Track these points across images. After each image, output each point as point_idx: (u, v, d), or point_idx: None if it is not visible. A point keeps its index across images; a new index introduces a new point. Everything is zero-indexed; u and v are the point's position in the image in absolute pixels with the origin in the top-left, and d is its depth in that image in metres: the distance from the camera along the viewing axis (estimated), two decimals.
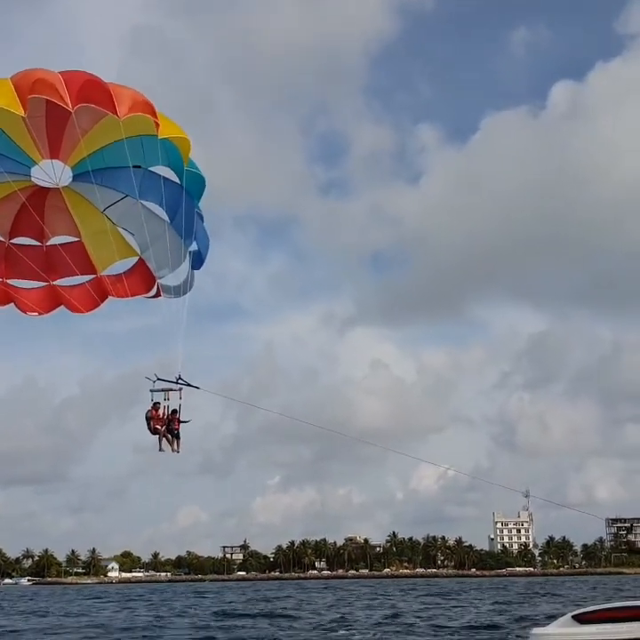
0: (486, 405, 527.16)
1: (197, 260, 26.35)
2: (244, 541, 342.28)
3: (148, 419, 25.91)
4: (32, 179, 24.28)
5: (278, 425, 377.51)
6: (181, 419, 26.15)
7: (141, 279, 26.19)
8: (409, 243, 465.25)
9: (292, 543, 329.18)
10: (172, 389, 25.51)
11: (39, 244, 25.65)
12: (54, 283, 25.89)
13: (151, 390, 25.64)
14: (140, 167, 24.69)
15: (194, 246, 26.08)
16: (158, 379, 25.39)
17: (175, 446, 26.27)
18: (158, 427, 25.92)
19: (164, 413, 25.99)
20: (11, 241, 25.26)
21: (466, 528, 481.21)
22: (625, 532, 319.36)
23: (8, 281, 25.35)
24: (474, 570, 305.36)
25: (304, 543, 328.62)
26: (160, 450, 26.13)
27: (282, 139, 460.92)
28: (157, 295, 26.59)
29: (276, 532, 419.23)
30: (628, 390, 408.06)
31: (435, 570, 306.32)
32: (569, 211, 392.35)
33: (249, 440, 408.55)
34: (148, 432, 26.00)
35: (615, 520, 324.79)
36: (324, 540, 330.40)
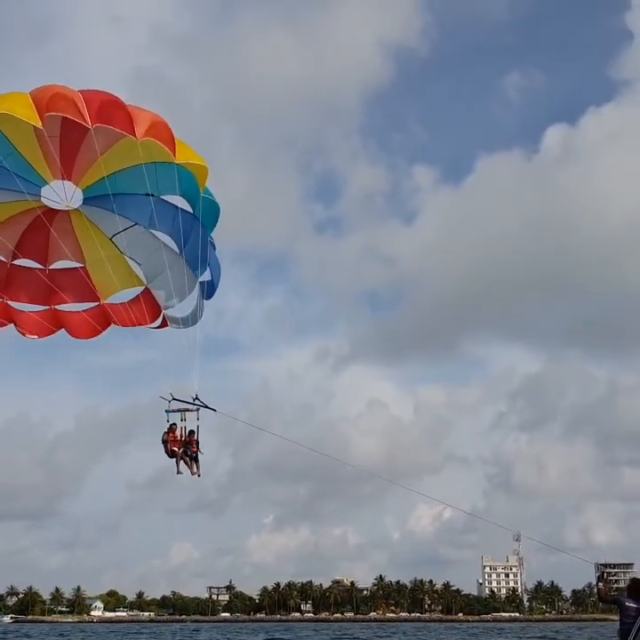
0: (482, 445, 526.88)
1: (209, 290, 25.89)
2: (230, 582, 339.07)
3: (164, 442, 25.02)
4: (41, 199, 23.72)
5: (274, 463, 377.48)
6: (199, 446, 25.27)
7: (146, 309, 25.55)
8: (403, 282, 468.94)
9: (278, 585, 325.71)
10: (188, 410, 24.66)
11: (42, 267, 25.03)
12: (56, 307, 25.27)
13: (167, 411, 24.80)
14: (152, 195, 24.13)
15: (205, 276, 25.60)
16: (174, 398, 24.53)
17: (194, 469, 25.33)
18: (175, 449, 25.02)
19: (181, 435, 25.12)
20: (13, 262, 24.69)
21: (459, 571, 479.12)
22: (613, 578, 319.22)
23: (9, 302, 24.76)
24: (461, 614, 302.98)
25: (290, 585, 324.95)
26: (178, 472, 25.26)
27: (280, 177, 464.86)
28: (163, 325, 26.01)
29: (270, 571, 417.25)
30: (624, 432, 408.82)
31: (419, 614, 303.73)
32: (562, 252, 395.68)
33: (244, 478, 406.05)
34: (166, 455, 25.15)
35: (605, 565, 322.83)
36: (310, 582, 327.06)
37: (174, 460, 25.19)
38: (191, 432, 25.16)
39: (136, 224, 24.70)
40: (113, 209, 24.10)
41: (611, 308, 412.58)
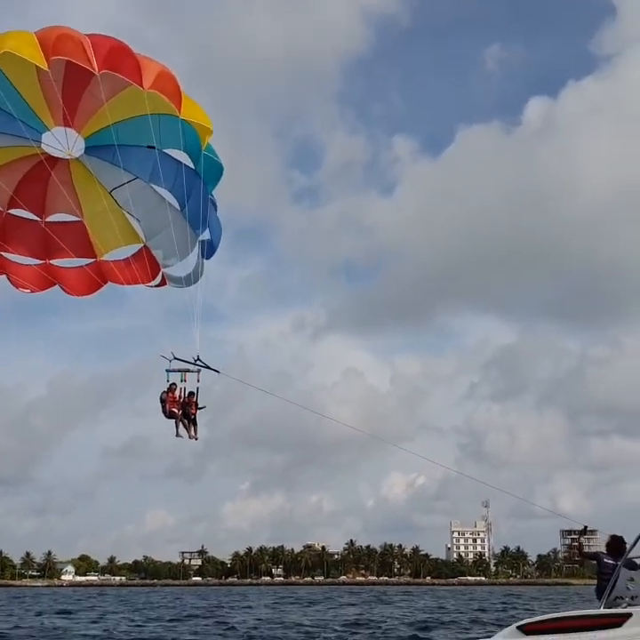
0: (455, 415, 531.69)
1: (209, 250, 25.09)
2: (202, 547, 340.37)
3: (162, 401, 24.30)
4: (42, 146, 22.74)
5: (251, 431, 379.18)
6: (198, 403, 24.56)
7: (144, 267, 24.69)
8: (381, 253, 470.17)
9: (250, 550, 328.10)
10: (189, 371, 23.90)
11: (38, 219, 24.10)
12: (51, 262, 24.41)
13: (167, 370, 24.00)
14: (154, 148, 23.28)
15: (206, 235, 24.82)
16: (175, 358, 23.72)
17: (193, 432, 24.62)
18: (174, 410, 24.28)
19: (180, 396, 24.38)
20: (9, 211, 23.72)
21: (429, 536, 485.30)
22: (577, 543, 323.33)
23: (2, 253, 23.82)
24: (429, 578, 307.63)
25: (261, 550, 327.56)
26: (177, 435, 24.53)
27: (257, 144, 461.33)
28: (161, 285, 25.25)
29: (244, 537, 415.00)
30: (593, 404, 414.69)
31: (387, 577, 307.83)
32: (539, 225, 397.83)
33: (221, 445, 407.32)
34: (163, 415, 24.37)
35: (569, 531, 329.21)
36: (282, 546, 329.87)
37: (173, 421, 24.47)
38: (191, 394, 24.44)
39: (137, 178, 23.96)
40: (114, 160, 23.38)
41: (585, 281, 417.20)
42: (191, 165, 23.90)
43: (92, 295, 25.19)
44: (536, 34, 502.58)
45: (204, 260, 25.24)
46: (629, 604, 19.80)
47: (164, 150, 23.52)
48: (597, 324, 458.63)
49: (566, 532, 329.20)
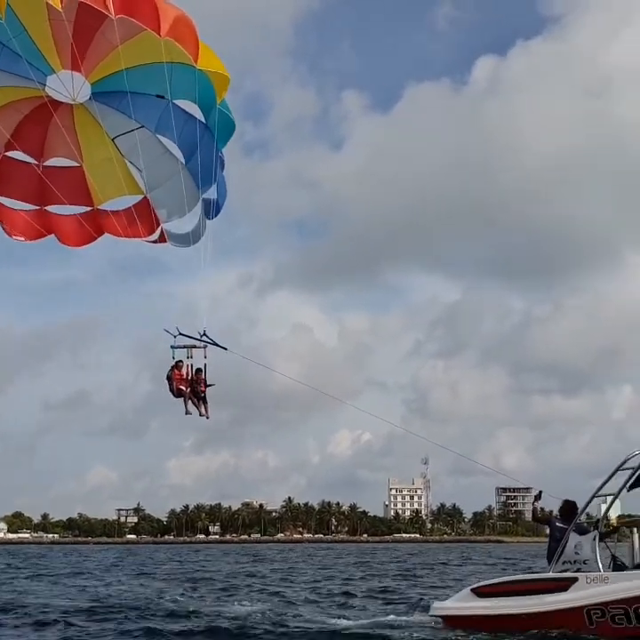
0: (401, 372, 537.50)
1: (213, 209, 24.14)
2: (138, 504, 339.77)
3: (169, 379, 23.44)
4: (46, 88, 21.74)
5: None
6: (207, 381, 23.75)
7: (143, 220, 23.76)
8: (329, 209, 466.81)
9: (186, 507, 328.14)
10: (195, 346, 23.07)
11: (36, 162, 23.11)
12: (46, 208, 23.44)
13: (172, 346, 23.18)
14: (163, 97, 22.33)
15: (210, 194, 23.82)
16: (180, 333, 22.94)
17: (203, 410, 23.82)
18: (182, 388, 23.42)
19: (187, 373, 23.48)
20: (6, 153, 22.73)
21: (371, 493, 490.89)
22: (513, 501, 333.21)
23: None
24: (365, 536, 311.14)
25: (198, 507, 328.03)
26: (187, 413, 23.68)
27: None
28: (160, 241, 24.27)
29: (187, 494, 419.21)
30: (536, 362, 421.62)
31: (323, 535, 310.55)
32: (484, 186, 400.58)
33: (164, 401, 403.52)
34: (171, 395, 23.58)
35: (505, 489, 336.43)
36: (219, 504, 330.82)
37: (181, 399, 23.63)
38: (198, 370, 23.55)
39: (142, 126, 22.95)
40: (120, 107, 22.39)
41: (529, 242, 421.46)
42: (202, 119, 22.89)
43: (86, 246, 24.12)
44: None
45: (207, 220, 24.23)
46: (578, 569, 20.52)
47: (175, 101, 22.43)
48: (541, 282, 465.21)
49: (502, 490, 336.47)
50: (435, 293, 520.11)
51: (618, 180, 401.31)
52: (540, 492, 22.72)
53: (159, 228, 24.15)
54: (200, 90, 22.18)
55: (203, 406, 23.77)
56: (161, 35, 20.77)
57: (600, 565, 20.24)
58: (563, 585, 20.54)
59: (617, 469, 20.19)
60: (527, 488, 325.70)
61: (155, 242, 24.31)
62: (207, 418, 23.91)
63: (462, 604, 22.84)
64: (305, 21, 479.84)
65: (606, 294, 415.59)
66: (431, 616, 24.24)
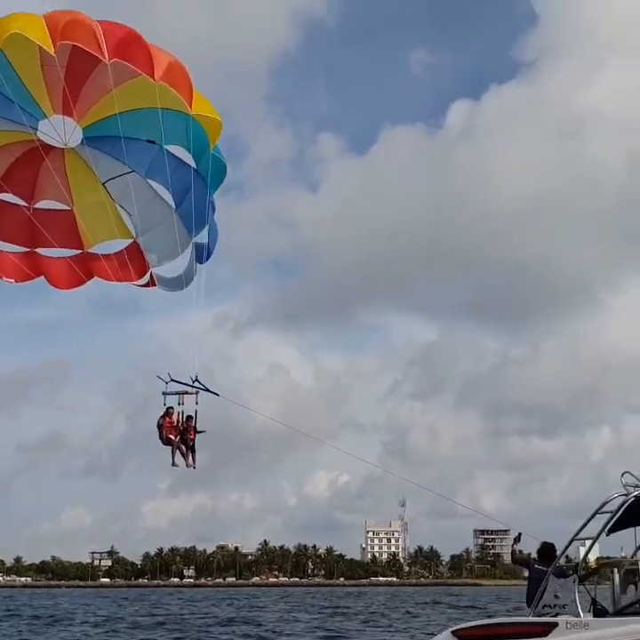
0: (378, 413, 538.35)
1: (203, 254, 24.06)
2: (112, 547, 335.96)
3: (159, 426, 22.94)
4: (38, 133, 21.78)
5: None
6: (197, 428, 23.24)
7: (133, 264, 23.69)
8: (305, 250, 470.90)
9: (160, 550, 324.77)
10: (187, 393, 22.60)
11: (26, 204, 23.07)
12: (36, 250, 23.34)
13: (164, 393, 22.72)
14: (154, 142, 22.38)
15: (201, 238, 23.79)
16: (172, 379, 22.48)
17: (190, 460, 23.27)
18: (171, 437, 22.86)
19: (178, 420, 23.01)
20: None
21: (348, 535, 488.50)
22: (491, 543, 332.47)
23: None
24: (342, 579, 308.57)
25: (173, 550, 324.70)
26: (173, 464, 23.16)
27: None
28: (150, 285, 24.09)
29: (163, 536, 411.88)
30: (511, 403, 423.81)
31: (298, 579, 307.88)
32: (458, 228, 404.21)
33: (139, 442, 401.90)
34: (160, 442, 23.04)
35: (482, 531, 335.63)
36: (194, 547, 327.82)
37: (170, 448, 23.07)
38: (189, 417, 23.07)
39: (133, 171, 22.99)
40: (111, 152, 22.45)
41: (505, 282, 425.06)
42: (193, 164, 22.94)
43: (75, 289, 24.03)
44: (461, 38, 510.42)
45: (198, 265, 24.09)
46: (557, 613, 20.07)
47: (166, 146, 22.49)
48: (516, 323, 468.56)
49: (479, 532, 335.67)
50: (411, 334, 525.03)
51: (592, 221, 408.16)
52: (520, 534, 22.43)
53: (149, 272, 24.03)
54: (192, 135, 22.22)
55: (191, 456, 23.29)
56: (155, 80, 20.86)
57: (580, 610, 19.97)
58: (543, 630, 20.12)
59: (595, 513, 19.93)
60: (505, 530, 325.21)
61: (144, 286, 24.16)
62: (194, 468, 23.51)
63: None
64: (281, 65, 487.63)
65: (583, 335, 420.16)
66: None
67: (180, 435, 22.91)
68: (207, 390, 22.47)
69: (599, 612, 20.21)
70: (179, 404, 22.84)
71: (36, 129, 21.68)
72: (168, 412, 22.83)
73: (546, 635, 19.79)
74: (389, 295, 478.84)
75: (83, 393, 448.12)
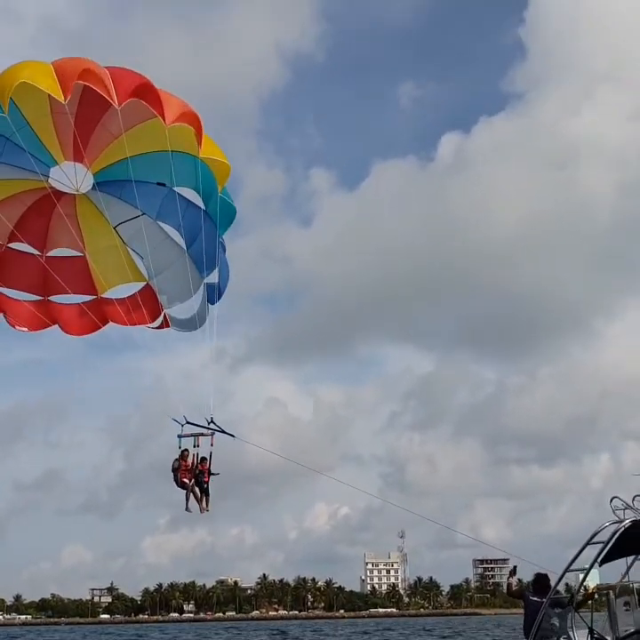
0: (377, 445, 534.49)
1: (215, 294, 24.09)
2: (111, 583, 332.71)
3: (174, 470, 22.62)
4: (49, 180, 21.91)
5: (166, 462, 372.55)
6: (212, 470, 22.95)
7: (147, 307, 23.78)
8: (300, 284, 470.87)
9: (160, 585, 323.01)
10: (203, 434, 22.36)
11: (39, 253, 23.18)
12: (50, 298, 23.45)
13: (179, 436, 22.49)
14: (164, 185, 22.67)
15: (212, 278, 23.82)
16: (187, 422, 22.20)
17: (204, 504, 22.90)
18: (186, 480, 22.52)
19: (193, 463, 22.68)
20: (9, 245, 22.76)
21: (348, 568, 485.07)
22: (490, 573, 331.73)
23: (0, 289, 22.83)
24: (342, 611, 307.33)
25: (172, 586, 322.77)
26: (187, 509, 22.81)
27: None
28: (163, 326, 24.32)
29: (164, 572, 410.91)
30: (510, 432, 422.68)
31: (297, 612, 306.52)
32: (452, 258, 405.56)
33: (137, 478, 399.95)
34: (175, 485, 22.79)
35: (482, 561, 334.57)
36: (193, 582, 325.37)
37: (184, 491, 22.80)
38: (203, 459, 22.78)
39: (143, 214, 23.13)
40: (122, 196, 22.66)
41: (500, 311, 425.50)
42: (202, 206, 23.20)
43: (91, 335, 24.21)
44: (449, 71, 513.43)
45: (209, 305, 24.25)
46: None
47: (176, 188, 22.82)
48: (512, 351, 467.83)
49: (479, 562, 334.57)
50: (408, 365, 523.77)
51: (585, 248, 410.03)
52: (515, 566, 22.65)
53: (162, 315, 24.25)
54: (201, 178, 22.44)
55: (205, 499, 22.93)
56: (166, 123, 21.04)
57: None
58: None
59: (587, 544, 19.95)
60: (504, 559, 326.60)
61: (158, 328, 24.34)
62: (207, 511, 23.10)
63: None
64: (270, 101, 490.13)
65: (579, 362, 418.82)
66: None
67: (194, 478, 22.64)
68: (223, 432, 22.26)
69: None
70: (194, 446, 22.60)
71: (48, 176, 21.83)
72: (183, 454, 22.59)
73: None
74: (385, 326, 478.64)
75: (79, 430, 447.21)
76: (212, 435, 22.36)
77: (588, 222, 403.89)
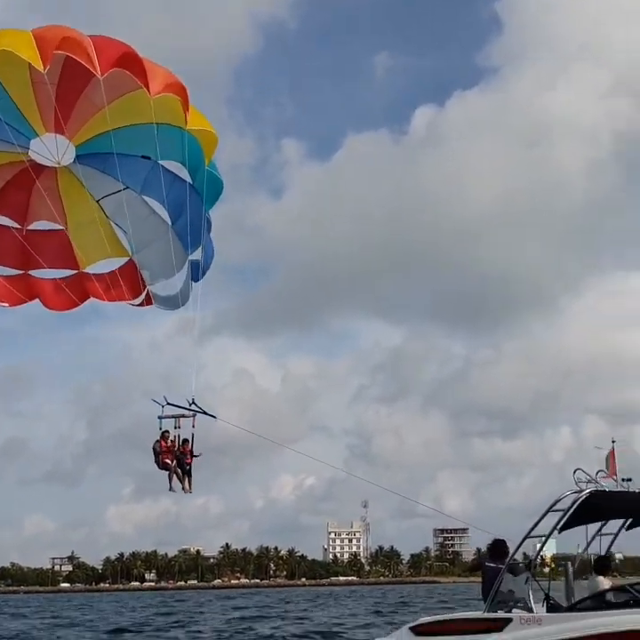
0: (345, 417, 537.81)
1: (199, 271, 23.44)
2: (72, 552, 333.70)
3: (155, 451, 22.41)
4: (29, 152, 21.19)
5: (132, 432, 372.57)
6: (194, 451, 22.77)
7: (129, 283, 23.13)
8: (270, 255, 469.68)
9: (121, 555, 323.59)
10: (184, 416, 22.07)
11: (19, 226, 22.40)
12: (30, 273, 22.77)
13: (159, 417, 22.21)
14: (149, 158, 21.90)
15: (196, 255, 23.15)
16: (168, 403, 21.84)
17: (187, 485, 22.78)
18: (168, 461, 22.33)
19: (174, 444, 22.50)
20: None
21: (311, 537, 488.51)
22: (450, 542, 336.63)
23: None
24: (304, 579, 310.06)
25: (134, 554, 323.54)
26: (170, 489, 22.65)
27: None
28: (146, 303, 23.68)
29: (128, 541, 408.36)
30: (476, 406, 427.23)
31: (259, 580, 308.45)
32: (422, 232, 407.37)
33: (101, 448, 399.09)
34: (156, 466, 22.55)
35: (442, 531, 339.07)
36: (155, 551, 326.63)
37: (166, 473, 22.58)
38: (185, 441, 22.58)
39: (127, 188, 22.45)
40: (105, 169, 21.92)
41: (469, 286, 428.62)
42: (189, 180, 22.48)
43: (72, 310, 23.56)
44: (425, 44, 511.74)
45: (193, 283, 23.62)
46: (511, 609, 20.31)
47: (161, 162, 22.10)
48: (480, 326, 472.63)
49: (439, 531, 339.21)
50: (378, 338, 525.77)
51: (554, 225, 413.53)
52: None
53: (145, 291, 23.61)
54: (188, 150, 21.76)
55: (187, 480, 22.83)
56: (150, 94, 20.30)
57: (533, 606, 20.20)
58: (497, 625, 20.36)
59: (547, 511, 19.99)
60: (464, 529, 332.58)
61: (140, 305, 23.76)
62: (190, 493, 23.03)
63: None
64: (242, 69, 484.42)
65: (544, 339, 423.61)
66: None
67: (176, 459, 22.45)
68: (204, 413, 22.00)
69: (552, 607, 20.37)
70: (175, 427, 22.34)
71: (28, 148, 21.18)
72: (164, 435, 22.37)
73: (500, 630, 20.03)
74: (356, 300, 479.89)
75: (43, 399, 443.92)
76: (194, 416, 22.05)
77: (560, 201, 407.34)
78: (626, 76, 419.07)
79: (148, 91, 20.17)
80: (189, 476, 22.68)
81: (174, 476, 22.44)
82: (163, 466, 22.35)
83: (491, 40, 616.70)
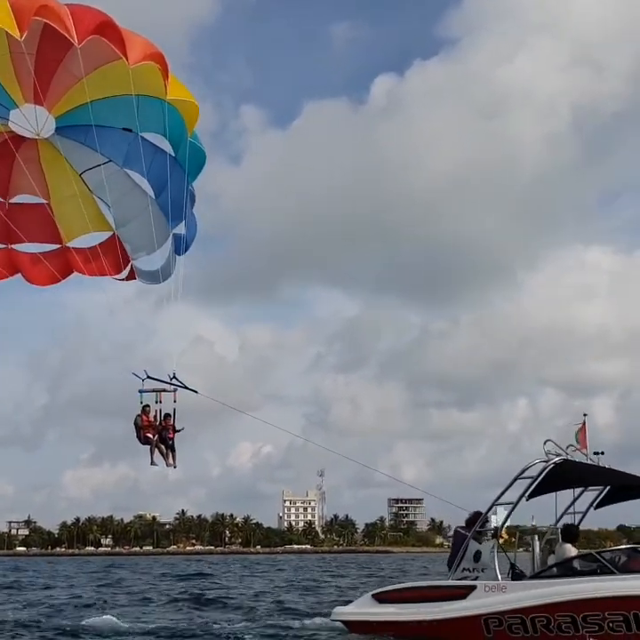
0: (302, 385, 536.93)
1: (182, 245, 23.16)
2: (28, 517, 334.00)
3: (137, 425, 22.35)
4: (9, 123, 20.93)
5: (89, 398, 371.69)
6: (176, 426, 22.72)
7: (112, 258, 22.85)
8: (228, 222, 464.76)
9: (77, 519, 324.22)
10: (165, 390, 21.96)
11: (1, 200, 22.24)
12: (13, 247, 22.53)
13: (140, 391, 22.06)
14: (131, 131, 21.63)
15: (180, 229, 22.97)
16: (148, 376, 21.73)
17: (171, 460, 22.84)
18: (150, 435, 22.33)
19: (156, 418, 22.40)
20: None
21: (268, 506, 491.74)
22: (404, 512, 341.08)
23: None
24: (259, 547, 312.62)
25: (90, 520, 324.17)
26: (152, 463, 22.64)
27: None
28: (129, 278, 23.54)
29: (85, 507, 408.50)
30: (432, 376, 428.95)
31: (213, 547, 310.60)
32: (381, 202, 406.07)
33: (59, 412, 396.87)
34: (137, 441, 22.53)
35: (397, 500, 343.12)
36: (111, 516, 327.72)
37: (148, 447, 22.58)
38: (167, 416, 22.46)
39: (110, 161, 22.22)
40: (86, 141, 21.62)
41: (427, 257, 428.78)
42: (171, 152, 22.20)
43: (54, 285, 23.54)
44: (384, 13, 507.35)
45: (177, 256, 23.41)
46: (476, 577, 20.82)
47: (143, 134, 21.83)
48: (437, 299, 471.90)
49: (394, 501, 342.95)
50: (335, 308, 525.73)
51: (512, 197, 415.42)
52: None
53: (128, 266, 23.44)
54: (169, 122, 21.50)
55: (171, 455, 22.85)
56: (130, 64, 19.98)
57: (498, 574, 20.43)
58: (461, 593, 20.66)
59: (516, 478, 20.35)
60: (419, 499, 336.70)
61: (124, 279, 23.60)
62: (174, 467, 23.09)
63: (363, 609, 22.83)
64: (198, 36, 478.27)
65: (501, 310, 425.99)
66: (332, 620, 24.27)
67: (157, 434, 22.41)
68: (185, 387, 21.96)
69: (517, 576, 20.65)
70: (156, 402, 22.22)
71: (7, 119, 20.88)
72: (145, 410, 22.28)
73: (464, 597, 20.42)
74: (313, 269, 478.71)
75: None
76: (175, 391, 21.99)
77: (518, 173, 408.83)
78: (585, 49, 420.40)
79: (127, 60, 19.93)
80: (173, 450, 22.74)
81: (156, 450, 22.45)
82: (144, 440, 22.38)
83: (450, 10, 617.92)
